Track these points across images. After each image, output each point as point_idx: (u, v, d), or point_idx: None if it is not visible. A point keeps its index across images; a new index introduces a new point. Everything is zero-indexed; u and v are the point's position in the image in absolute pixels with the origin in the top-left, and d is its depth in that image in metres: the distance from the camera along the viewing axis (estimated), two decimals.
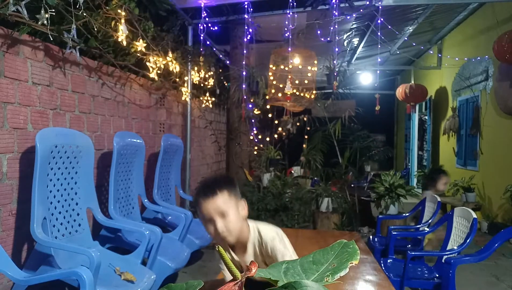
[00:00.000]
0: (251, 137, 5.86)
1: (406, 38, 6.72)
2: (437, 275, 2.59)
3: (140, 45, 3.20)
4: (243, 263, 1.61)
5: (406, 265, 2.50)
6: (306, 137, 6.90)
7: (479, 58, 5.91)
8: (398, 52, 7.41)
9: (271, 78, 5.44)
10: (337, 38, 4.60)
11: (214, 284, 1.70)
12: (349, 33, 6.37)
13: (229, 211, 1.55)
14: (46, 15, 2.19)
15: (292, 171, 6.78)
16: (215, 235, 1.57)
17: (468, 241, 2.40)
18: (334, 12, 4.13)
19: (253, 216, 1.77)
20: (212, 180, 1.64)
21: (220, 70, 5.59)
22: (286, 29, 4.55)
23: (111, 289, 2.20)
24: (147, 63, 3.54)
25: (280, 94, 5.33)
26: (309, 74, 5.63)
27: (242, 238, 1.61)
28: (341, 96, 5.97)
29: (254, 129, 5.76)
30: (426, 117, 8.73)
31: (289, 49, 4.69)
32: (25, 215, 2.24)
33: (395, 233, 3.07)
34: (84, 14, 2.51)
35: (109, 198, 2.93)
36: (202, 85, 5.03)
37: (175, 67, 3.99)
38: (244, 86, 4.98)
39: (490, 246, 2.32)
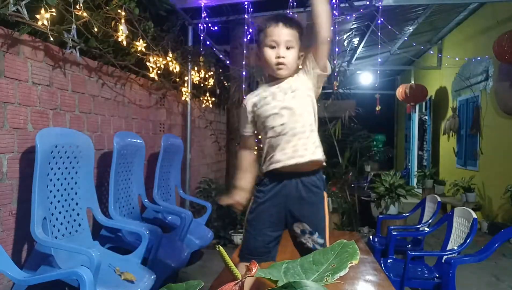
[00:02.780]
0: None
1: (406, 38, 6.72)
2: (437, 275, 2.59)
3: (140, 45, 3.20)
4: (271, 91, 1.69)
5: (406, 265, 2.50)
6: None
7: (479, 58, 5.91)
8: (398, 52, 7.41)
9: None
10: (337, 38, 4.59)
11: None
12: (349, 33, 6.37)
13: (294, 48, 1.66)
14: (46, 15, 2.19)
15: None
16: (271, 61, 1.65)
17: (468, 241, 2.40)
18: (334, 12, 4.13)
19: None
20: (292, 17, 1.78)
21: (220, 70, 5.59)
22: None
23: (111, 289, 2.20)
24: (147, 63, 3.54)
25: None
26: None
27: (288, 77, 1.69)
28: (341, 96, 5.97)
29: None
30: (426, 117, 8.73)
31: None
32: (25, 215, 2.24)
33: (395, 233, 3.07)
34: (84, 14, 2.51)
35: (109, 198, 2.93)
36: (202, 85, 5.02)
37: (175, 67, 3.99)
38: (244, 86, 4.98)
39: (490, 246, 2.32)
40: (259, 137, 1.79)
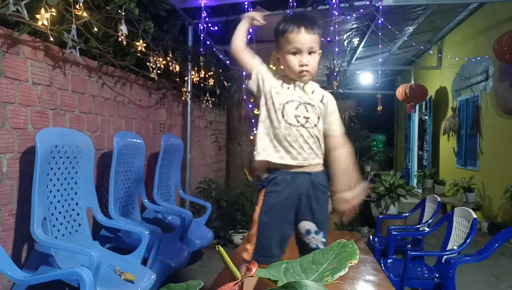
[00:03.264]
0: (251, 137, 5.86)
1: (406, 38, 6.72)
2: (437, 275, 2.59)
3: (140, 45, 3.20)
4: (298, 88, 1.67)
5: (406, 265, 2.50)
6: None
7: (479, 58, 5.91)
8: (398, 52, 7.41)
9: None
10: (337, 38, 4.59)
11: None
12: (349, 33, 6.37)
13: (316, 52, 1.65)
14: (46, 15, 2.19)
15: None
16: (295, 69, 1.63)
17: (468, 241, 2.40)
18: (334, 12, 4.13)
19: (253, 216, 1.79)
20: (313, 18, 1.72)
21: (220, 70, 5.59)
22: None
23: (111, 289, 2.20)
24: (147, 63, 3.54)
25: None
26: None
27: (308, 82, 1.69)
28: (341, 96, 5.97)
29: (254, 129, 5.75)
30: (426, 117, 8.73)
31: None
32: (25, 215, 2.24)
33: (395, 233, 3.07)
34: (84, 14, 2.51)
35: (109, 198, 2.93)
36: (202, 85, 5.02)
37: (175, 67, 3.99)
38: (244, 86, 4.98)
39: (490, 246, 2.32)
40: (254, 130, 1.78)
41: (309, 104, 1.65)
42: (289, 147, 1.62)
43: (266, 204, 1.66)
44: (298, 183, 1.65)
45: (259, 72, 1.69)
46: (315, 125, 1.64)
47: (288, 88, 1.67)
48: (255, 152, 1.67)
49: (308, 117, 1.63)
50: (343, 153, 1.72)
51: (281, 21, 1.68)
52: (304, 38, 1.60)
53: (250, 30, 4.58)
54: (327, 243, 1.67)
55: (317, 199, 1.67)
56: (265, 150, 1.64)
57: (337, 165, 1.70)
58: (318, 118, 1.65)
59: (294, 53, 1.62)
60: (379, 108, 5.64)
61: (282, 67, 1.73)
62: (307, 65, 1.62)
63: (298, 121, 1.62)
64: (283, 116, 1.62)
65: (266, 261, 1.56)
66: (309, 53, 1.63)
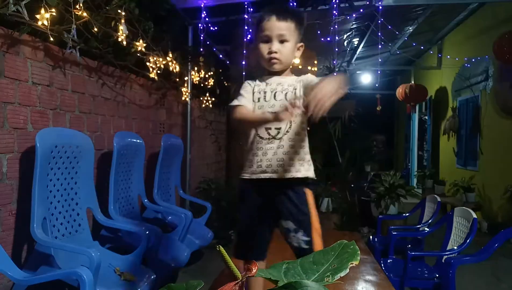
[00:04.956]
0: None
1: (406, 38, 6.72)
2: (437, 275, 2.60)
3: (140, 45, 3.20)
4: (276, 84, 1.65)
5: (406, 265, 2.50)
6: None
7: (479, 58, 5.91)
8: (398, 52, 7.41)
9: None
10: (337, 38, 4.59)
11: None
12: (349, 33, 6.37)
13: (289, 41, 1.61)
14: (46, 15, 2.19)
15: None
16: (264, 56, 1.62)
17: (468, 241, 2.40)
18: (334, 12, 4.13)
19: None
20: (288, 8, 1.73)
21: (220, 70, 5.59)
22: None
23: (111, 289, 2.20)
24: (147, 63, 3.54)
25: None
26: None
27: (283, 71, 1.66)
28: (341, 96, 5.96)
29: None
30: (426, 117, 8.73)
31: None
32: (25, 215, 2.24)
33: (395, 233, 3.07)
34: (84, 14, 2.51)
35: (109, 198, 2.93)
36: (202, 85, 5.02)
37: (175, 67, 3.99)
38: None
39: (490, 246, 2.32)
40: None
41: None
42: (269, 161, 1.61)
43: (240, 211, 1.70)
44: (268, 192, 1.64)
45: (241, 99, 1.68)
46: (287, 132, 1.60)
47: (261, 95, 1.64)
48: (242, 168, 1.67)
49: (280, 127, 1.60)
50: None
51: (260, 14, 1.68)
52: (274, 25, 1.59)
53: (250, 30, 4.59)
54: (316, 240, 1.64)
55: (292, 199, 1.64)
56: (246, 166, 1.65)
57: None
58: (289, 125, 1.61)
59: (266, 41, 1.61)
60: (378, 108, 5.64)
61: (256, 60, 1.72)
62: (276, 52, 1.60)
63: (269, 134, 1.61)
64: (256, 130, 1.62)
65: (247, 258, 1.64)
66: (281, 42, 1.60)
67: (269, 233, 1.72)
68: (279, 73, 1.67)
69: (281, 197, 1.64)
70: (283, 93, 1.63)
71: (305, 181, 1.65)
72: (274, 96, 1.63)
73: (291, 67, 1.71)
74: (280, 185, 1.63)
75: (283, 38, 1.60)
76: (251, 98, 1.67)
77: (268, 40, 1.61)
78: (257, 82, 1.70)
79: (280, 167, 1.60)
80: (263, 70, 1.71)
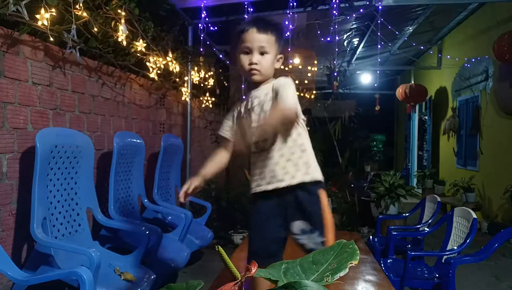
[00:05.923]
0: None
1: (406, 38, 6.72)
2: (437, 275, 2.59)
3: (140, 45, 3.20)
4: (254, 97, 1.68)
5: (406, 265, 2.50)
6: None
7: (479, 58, 5.91)
8: (398, 52, 7.41)
9: None
10: (337, 38, 4.60)
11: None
12: (349, 33, 6.37)
13: (269, 53, 1.64)
14: (46, 15, 2.19)
15: None
16: (244, 67, 1.65)
17: (468, 241, 2.40)
18: (334, 12, 4.14)
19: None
20: (268, 20, 1.73)
21: (220, 70, 5.59)
22: (286, 29, 4.55)
23: (111, 289, 2.20)
24: (147, 63, 3.54)
25: None
26: (309, 74, 5.63)
27: (264, 83, 1.68)
28: (341, 96, 5.97)
29: None
30: (426, 117, 8.73)
31: (289, 49, 4.69)
32: (25, 215, 2.24)
33: (395, 233, 3.07)
34: (84, 14, 2.51)
35: (109, 198, 2.93)
36: (202, 85, 5.02)
37: (175, 67, 3.99)
38: (244, 86, 4.98)
39: (490, 246, 2.32)
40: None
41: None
42: (262, 174, 1.64)
43: (253, 221, 1.71)
44: (279, 201, 1.65)
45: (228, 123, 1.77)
46: (273, 144, 1.62)
47: (247, 111, 1.68)
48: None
49: (266, 139, 1.62)
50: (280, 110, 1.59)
51: (239, 24, 1.72)
52: (255, 37, 1.62)
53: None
54: (331, 241, 1.65)
55: (304, 201, 1.64)
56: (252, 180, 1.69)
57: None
58: (275, 134, 1.62)
59: (246, 53, 1.64)
60: (377, 108, 5.64)
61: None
62: (256, 64, 1.62)
63: (259, 146, 1.64)
64: (250, 146, 1.67)
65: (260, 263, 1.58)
66: (261, 53, 1.63)
67: (282, 243, 1.72)
68: (258, 84, 1.69)
69: (284, 205, 1.65)
70: (259, 106, 1.66)
71: (306, 185, 1.65)
72: (253, 110, 1.67)
73: (272, 77, 1.72)
74: (280, 194, 1.64)
75: (263, 50, 1.63)
76: (232, 123, 1.76)
77: (249, 51, 1.63)
78: (243, 100, 1.74)
79: (273, 177, 1.63)
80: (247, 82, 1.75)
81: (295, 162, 1.63)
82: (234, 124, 1.75)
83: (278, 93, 1.58)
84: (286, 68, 5.30)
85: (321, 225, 1.65)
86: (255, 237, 1.70)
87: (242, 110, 1.72)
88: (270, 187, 1.62)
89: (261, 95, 1.67)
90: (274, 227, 1.67)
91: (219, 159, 1.83)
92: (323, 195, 1.67)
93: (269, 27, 1.64)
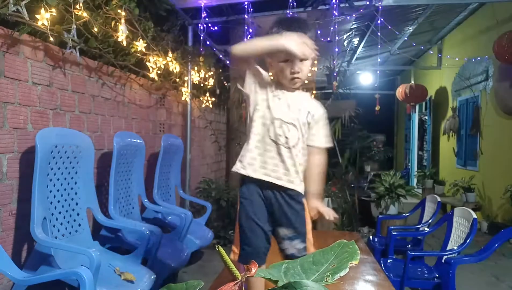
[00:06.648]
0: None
1: (406, 38, 6.72)
2: (437, 275, 2.59)
3: (140, 45, 3.20)
4: (290, 97, 1.67)
5: (406, 265, 2.50)
6: None
7: (479, 58, 5.91)
8: (398, 52, 7.41)
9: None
10: (337, 38, 4.59)
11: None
12: (349, 33, 6.37)
13: (307, 59, 1.62)
14: (46, 15, 2.19)
15: None
16: (286, 76, 1.63)
17: (468, 241, 2.40)
18: (334, 12, 4.13)
19: None
20: (304, 24, 1.69)
21: (220, 70, 5.59)
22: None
23: (111, 289, 2.20)
24: (147, 63, 3.54)
25: None
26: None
27: (297, 92, 1.70)
28: (341, 96, 5.97)
29: None
30: (426, 117, 8.73)
31: None
32: (25, 215, 2.24)
33: (395, 233, 3.07)
34: (84, 14, 2.51)
35: (109, 198, 2.93)
36: (202, 85, 5.02)
37: (175, 67, 3.99)
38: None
39: (490, 246, 2.32)
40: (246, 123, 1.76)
41: (292, 124, 1.64)
42: (265, 163, 1.63)
43: (242, 211, 1.70)
44: (268, 196, 1.66)
45: (256, 80, 1.67)
46: (294, 146, 1.64)
47: (277, 102, 1.66)
48: (240, 162, 1.67)
49: (288, 138, 1.63)
50: (319, 160, 1.73)
51: (273, 26, 1.66)
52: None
53: (250, 30, 4.59)
54: (327, 243, 1.66)
55: (291, 206, 1.66)
56: (247, 163, 1.66)
57: (312, 169, 1.71)
58: (298, 139, 1.65)
59: (286, 60, 1.61)
60: (377, 108, 5.64)
61: (271, 74, 1.73)
62: (298, 72, 1.61)
63: (279, 140, 1.63)
64: (268, 132, 1.64)
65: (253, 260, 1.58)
66: (301, 60, 1.61)
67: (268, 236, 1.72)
68: (294, 88, 1.70)
69: (281, 204, 1.66)
70: (296, 108, 1.67)
71: (300, 193, 1.69)
72: (288, 107, 1.66)
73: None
74: (282, 192, 1.66)
75: (304, 58, 1.61)
76: (266, 88, 1.68)
77: (289, 59, 1.60)
78: (273, 86, 1.71)
79: (284, 175, 1.63)
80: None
81: (299, 169, 1.66)
82: (258, 93, 1.68)
83: (316, 124, 1.68)
84: None
85: (303, 232, 1.67)
86: (248, 233, 1.69)
87: (272, 95, 1.67)
88: (279, 182, 1.63)
89: (296, 101, 1.67)
90: (263, 219, 1.68)
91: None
92: (306, 204, 1.72)
93: (307, 33, 1.61)
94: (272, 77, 1.74)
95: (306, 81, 1.73)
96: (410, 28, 6.48)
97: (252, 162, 1.65)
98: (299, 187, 1.67)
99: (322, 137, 1.72)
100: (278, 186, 1.64)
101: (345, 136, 5.70)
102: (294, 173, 1.65)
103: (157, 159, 3.64)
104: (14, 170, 2.30)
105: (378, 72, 6.58)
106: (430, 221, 3.23)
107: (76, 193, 2.55)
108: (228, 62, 5.76)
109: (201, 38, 4.52)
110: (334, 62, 5.16)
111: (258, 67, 1.68)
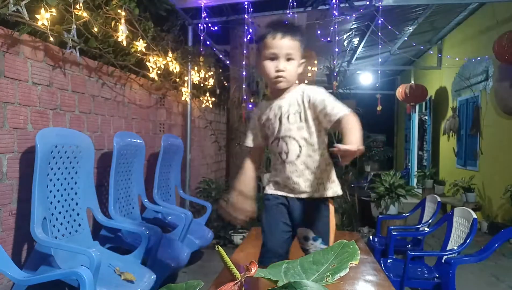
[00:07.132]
0: None
1: (406, 38, 6.72)
2: (437, 275, 2.59)
3: (140, 45, 3.20)
4: (278, 107, 1.67)
5: (406, 265, 2.50)
6: None
7: (479, 58, 5.91)
8: (398, 52, 7.41)
9: None
10: (337, 38, 4.59)
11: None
12: (349, 33, 6.37)
13: (294, 59, 1.62)
14: (46, 15, 2.19)
15: None
16: (270, 74, 1.63)
17: (468, 241, 2.40)
18: (334, 12, 4.13)
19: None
20: (293, 25, 1.72)
21: (220, 70, 5.59)
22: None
23: (111, 289, 2.20)
24: (147, 63, 3.54)
25: None
26: (309, 74, 5.62)
27: (287, 91, 1.68)
28: (341, 96, 5.96)
29: None
30: (426, 117, 8.73)
31: None
32: (25, 215, 2.24)
33: (395, 233, 3.07)
34: (84, 14, 2.51)
35: (109, 198, 2.93)
36: (202, 85, 5.02)
37: (175, 67, 3.99)
38: (244, 86, 4.98)
39: (490, 246, 2.32)
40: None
41: (288, 136, 1.63)
42: (287, 180, 1.66)
43: (265, 212, 1.72)
44: (292, 204, 1.69)
45: (255, 125, 1.77)
46: (298, 156, 1.63)
47: (271, 120, 1.68)
48: (268, 183, 1.74)
49: (288, 152, 1.63)
50: (352, 117, 1.57)
51: (263, 28, 1.69)
52: (281, 43, 1.58)
53: (250, 30, 4.59)
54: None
55: (313, 209, 1.67)
56: (272, 184, 1.73)
57: (346, 126, 1.54)
58: (300, 147, 1.63)
59: (271, 59, 1.61)
60: (379, 108, 5.64)
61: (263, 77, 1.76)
62: (283, 71, 1.60)
63: (281, 157, 1.66)
64: (275, 152, 1.68)
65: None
66: (287, 60, 1.60)
67: (290, 240, 1.75)
68: (281, 92, 1.67)
69: (305, 209, 1.68)
70: (285, 117, 1.65)
71: (322, 198, 1.68)
72: (279, 120, 1.66)
73: (296, 82, 1.71)
74: (301, 202, 1.68)
75: (290, 57, 1.60)
76: (259, 132, 1.75)
77: (275, 58, 1.60)
78: (263, 109, 1.73)
79: (307, 187, 1.65)
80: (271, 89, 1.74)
81: (318, 175, 1.65)
82: (259, 131, 1.76)
83: (323, 106, 1.58)
84: None
85: (327, 233, 1.68)
86: (267, 235, 1.71)
87: (265, 118, 1.71)
88: (304, 196, 1.65)
89: (285, 104, 1.66)
90: (283, 226, 1.70)
91: (250, 173, 1.82)
92: (332, 205, 1.71)
93: (295, 33, 1.61)
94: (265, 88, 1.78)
95: (297, 82, 1.71)
96: (410, 28, 6.48)
97: (277, 181, 1.70)
98: (325, 192, 1.66)
99: (336, 108, 1.58)
100: (300, 199, 1.67)
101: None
102: (315, 181, 1.64)
103: (157, 159, 3.64)
104: (14, 170, 2.30)
105: (379, 72, 6.57)
106: (430, 221, 3.23)
107: (76, 193, 2.55)
108: (228, 62, 5.76)
109: (201, 38, 4.52)
110: (334, 62, 5.16)
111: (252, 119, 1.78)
